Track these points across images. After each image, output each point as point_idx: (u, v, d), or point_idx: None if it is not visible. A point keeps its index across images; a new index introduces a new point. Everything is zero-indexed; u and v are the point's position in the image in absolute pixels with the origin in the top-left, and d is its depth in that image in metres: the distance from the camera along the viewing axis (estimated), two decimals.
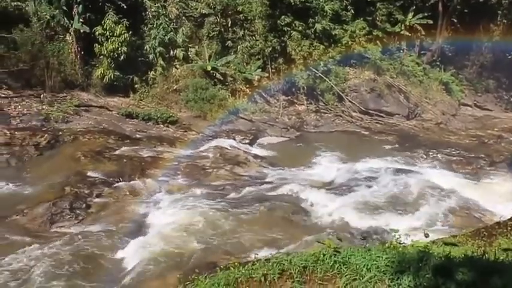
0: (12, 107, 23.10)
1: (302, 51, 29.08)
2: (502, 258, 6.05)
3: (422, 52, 35.77)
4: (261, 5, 29.28)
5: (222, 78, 28.19)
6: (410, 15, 34.00)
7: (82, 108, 24.50)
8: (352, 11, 31.58)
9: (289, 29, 29.26)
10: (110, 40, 25.38)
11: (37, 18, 25.75)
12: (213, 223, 15.35)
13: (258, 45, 29.36)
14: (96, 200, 16.61)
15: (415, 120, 31.02)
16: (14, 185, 17.60)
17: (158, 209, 16.39)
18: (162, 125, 25.16)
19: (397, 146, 25.96)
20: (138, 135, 23.40)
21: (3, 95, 23.74)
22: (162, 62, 27.47)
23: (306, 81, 29.20)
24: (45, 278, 12.13)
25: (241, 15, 29.67)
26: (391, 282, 5.12)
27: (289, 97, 29.89)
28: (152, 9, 28.10)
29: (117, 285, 12.18)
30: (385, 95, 30.85)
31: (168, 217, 15.74)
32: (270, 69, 29.53)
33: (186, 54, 28.40)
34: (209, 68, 27.75)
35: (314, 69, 29.44)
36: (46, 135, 20.95)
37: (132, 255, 13.58)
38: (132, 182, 18.13)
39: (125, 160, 19.95)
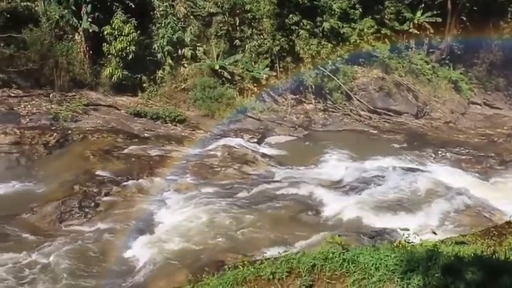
0: (22, 106, 23.26)
1: (310, 50, 29.02)
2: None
3: (431, 50, 35.52)
4: (269, 3, 29.24)
5: (230, 77, 28.20)
6: (418, 13, 33.80)
7: (91, 107, 24.61)
8: (360, 10, 31.44)
9: (297, 27, 29.20)
10: (118, 39, 25.45)
11: (46, 18, 25.88)
12: (221, 222, 15.39)
13: (266, 44, 29.33)
14: (105, 198, 16.70)
15: (423, 119, 30.85)
16: (23, 183, 17.78)
17: (166, 208, 16.46)
18: (170, 124, 25.19)
19: (405, 145, 25.83)
20: (146, 134, 23.47)
21: (13, 95, 23.91)
22: (170, 61, 27.53)
23: (314, 80, 29.13)
24: (54, 275, 12.24)
25: (249, 14, 29.64)
26: (400, 281, 5.11)
27: (297, 96, 29.84)
28: (160, 9, 28.15)
29: (125, 282, 12.26)
30: (393, 93, 30.71)
31: (176, 216, 15.81)
32: (278, 68, 29.49)
33: (194, 53, 28.42)
34: (217, 67, 27.76)
35: (322, 68, 29.37)
36: (55, 134, 21.07)
37: (140, 253, 13.67)
38: (140, 181, 18.21)
39: (133, 159, 20.03)
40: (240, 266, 6.19)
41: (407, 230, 7.15)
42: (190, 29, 28.45)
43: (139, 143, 21.97)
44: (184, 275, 11.16)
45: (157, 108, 25.84)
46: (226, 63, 28.25)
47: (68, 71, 25.78)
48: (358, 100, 29.92)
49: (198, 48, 28.82)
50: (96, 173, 18.39)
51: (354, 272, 5.42)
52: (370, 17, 31.71)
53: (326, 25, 29.52)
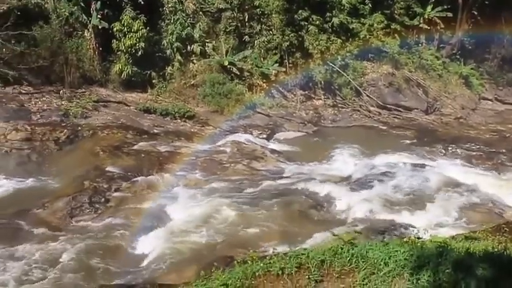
0: (33, 102, 23.46)
1: (319, 45, 28.85)
2: None
3: (441, 45, 35.14)
4: None
5: (239, 73, 28.16)
6: (429, 8, 33.45)
7: (100, 103, 24.72)
8: (370, 5, 31.17)
9: (306, 23, 29.05)
10: (127, 36, 25.53)
11: (56, 15, 26.04)
12: (230, 217, 15.42)
13: (275, 39, 29.24)
14: (115, 194, 16.79)
15: (433, 114, 30.57)
16: (34, 179, 17.92)
17: (176, 203, 16.52)
18: (179, 120, 25.23)
19: (415, 140, 25.63)
20: (155, 130, 23.54)
21: (23, 91, 24.12)
22: (179, 57, 27.56)
23: (324, 76, 28.99)
24: (65, 269, 12.36)
25: (258, 9, 29.55)
26: (410, 276, 5.09)
27: (307, 92, 29.73)
28: (169, 5, 28.17)
29: (135, 277, 12.33)
30: (403, 89, 30.47)
31: (185, 211, 15.87)
32: (287, 63, 29.40)
33: (203, 49, 28.42)
34: (226, 63, 27.75)
35: (331, 64, 29.21)
36: (65, 130, 21.20)
37: (149, 248, 13.76)
38: (150, 177, 18.26)
39: (142, 155, 20.11)
40: (249, 261, 6.20)
41: (416, 226, 7.12)
42: (199, 25, 28.46)
43: (148, 139, 22.04)
44: (193, 270, 11.19)
45: (166, 105, 25.92)
46: (236, 59, 28.23)
47: (78, 68, 25.93)
48: (367, 96, 29.74)
49: (207, 44, 28.83)
50: (106, 168, 18.48)
51: (364, 267, 5.41)
52: (379, 12, 31.43)
53: (335, 20, 29.35)
